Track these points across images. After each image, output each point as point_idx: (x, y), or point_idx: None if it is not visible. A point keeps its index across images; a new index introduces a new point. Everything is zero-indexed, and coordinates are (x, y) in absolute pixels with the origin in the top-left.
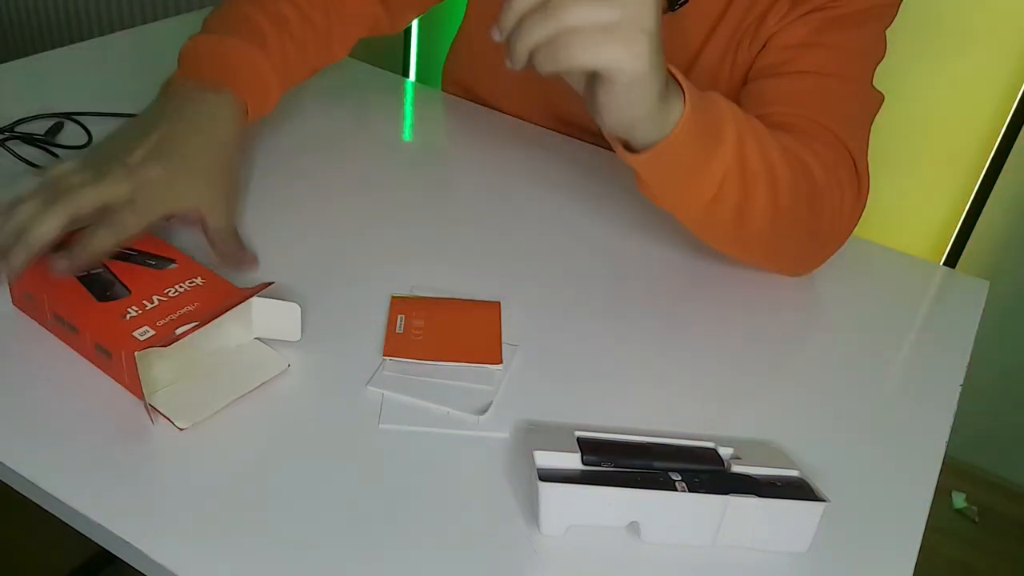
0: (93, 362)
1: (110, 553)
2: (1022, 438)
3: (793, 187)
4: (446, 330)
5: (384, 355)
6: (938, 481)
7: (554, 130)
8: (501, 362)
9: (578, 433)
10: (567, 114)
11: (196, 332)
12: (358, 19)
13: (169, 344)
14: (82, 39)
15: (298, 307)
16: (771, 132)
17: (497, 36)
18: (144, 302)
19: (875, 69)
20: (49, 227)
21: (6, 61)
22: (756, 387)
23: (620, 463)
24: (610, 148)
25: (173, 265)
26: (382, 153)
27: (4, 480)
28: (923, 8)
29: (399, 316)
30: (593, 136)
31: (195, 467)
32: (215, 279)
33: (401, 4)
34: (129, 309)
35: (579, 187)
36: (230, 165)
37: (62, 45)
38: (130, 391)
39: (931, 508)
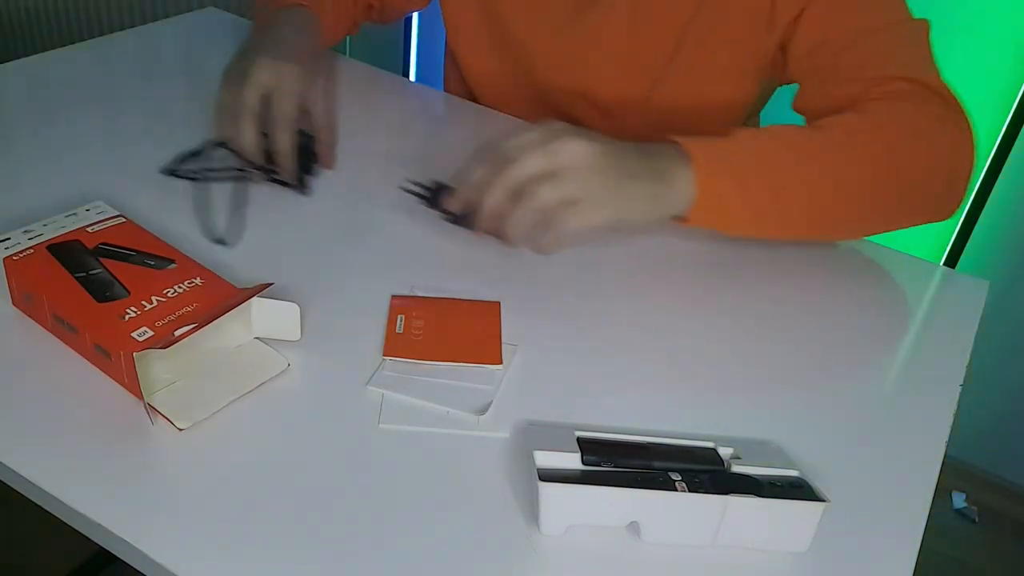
0: (93, 362)
1: (110, 553)
2: (1022, 438)
3: (871, 148)
4: (446, 330)
5: (384, 355)
6: (938, 481)
7: None
8: (501, 362)
9: (578, 433)
10: (568, 116)
11: (195, 333)
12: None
13: (168, 346)
14: (82, 39)
15: (298, 307)
16: (829, 118)
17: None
18: (143, 303)
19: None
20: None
21: (6, 61)
22: (756, 387)
23: (620, 463)
24: None
25: (172, 265)
26: (382, 153)
27: (4, 480)
28: (923, 10)
29: (399, 316)
30: None
31: (195, 467)
32: (214, 279)
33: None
34: (128, 310)
35: None
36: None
37: (62, 45)
38: (130, 391)
39: (931, 508)
